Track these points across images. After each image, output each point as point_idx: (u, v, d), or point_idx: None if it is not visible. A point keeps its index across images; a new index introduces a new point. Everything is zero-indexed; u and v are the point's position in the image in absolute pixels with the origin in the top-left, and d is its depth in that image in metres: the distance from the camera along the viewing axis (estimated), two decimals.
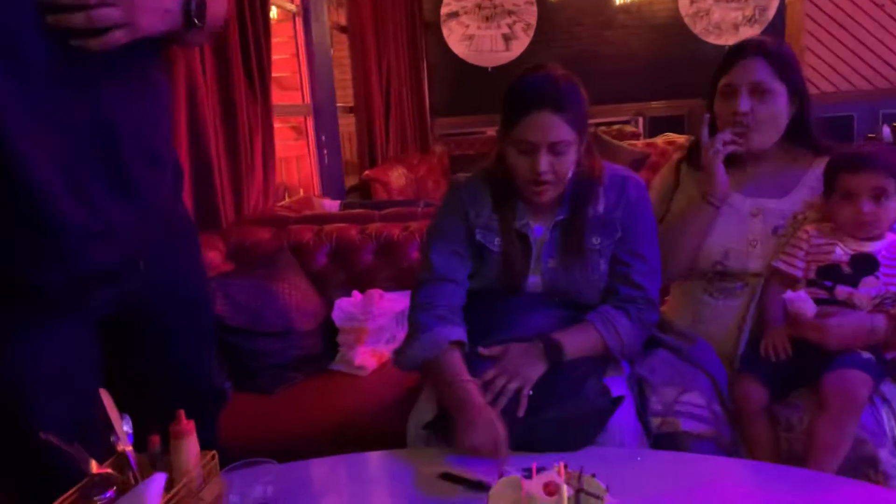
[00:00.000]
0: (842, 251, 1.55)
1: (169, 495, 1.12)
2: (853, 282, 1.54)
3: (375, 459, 1.46)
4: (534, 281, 1.65)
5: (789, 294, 1.54)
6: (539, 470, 1.15)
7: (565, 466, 1.16)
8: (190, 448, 1.22)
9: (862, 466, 1.44)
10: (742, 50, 1.70)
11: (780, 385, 1.56)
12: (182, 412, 1.22)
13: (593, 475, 1.14)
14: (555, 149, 1.51)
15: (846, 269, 1.55)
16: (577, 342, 1.56)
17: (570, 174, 1.56)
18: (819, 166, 1.68)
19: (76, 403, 1.32)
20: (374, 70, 5.67)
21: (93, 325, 1.37)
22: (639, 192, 1.65)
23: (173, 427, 1.21)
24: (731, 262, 1.70)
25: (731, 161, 1.71)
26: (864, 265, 1.54)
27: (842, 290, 1.54)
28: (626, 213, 1.62)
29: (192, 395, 1.53)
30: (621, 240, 1.62)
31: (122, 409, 1.23)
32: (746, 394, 1.56)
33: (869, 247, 1.55)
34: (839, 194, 1.57)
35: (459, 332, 1.57)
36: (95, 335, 1.38)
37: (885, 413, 1.52)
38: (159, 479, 1.12)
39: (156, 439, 1.23)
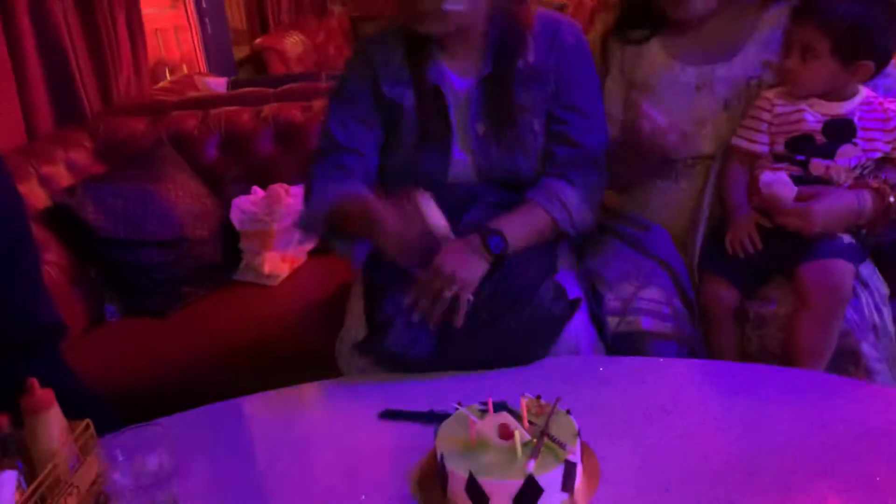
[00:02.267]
0: (812, 117, 1.34)
1: (28, 492, 0.87)
2: (829, 152, 1.33)
3: (302, 395, 1.24)
4: (461, 159, 1.39)
5: (766, 176, 1.32)
6: (498, 407, 0.96)
7: (538, 398, 0.97)
8: (51, 424, 0.95)
9: (842, 362, 1.30)
10: None
11: (751, 280, 1.38)
12: (35, 381, 0.95)
13: (568, 411, 0.95)
14: None
15: (819, 139, 1.33)
16: (519, 227, 1.31)
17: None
18: (771, 13, 1.43)
19: None
20: None
21: None
22: (574, 37, 1.41)
23: (26, 400, 0.94)
24: (679, 145, 1.46)
25: (668, 24, 1.46)
26: (840, 131, 1.33)
27: (817, 164, 1.33)
28: (560, 62, 1.39)
29: (26, 335, 1.29)
30: (556, 94, 1.39)
31: None
32: (714, 297, 1.37)
33: (842, 108, 1.33)
34: (782, 44, 1.34)
35: (365, 190, 1.35)
36: None
37: (865, 299, 1.36)
38: (8, 480, 0.86)
39: (2, 419, 0.95)
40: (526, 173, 1.41)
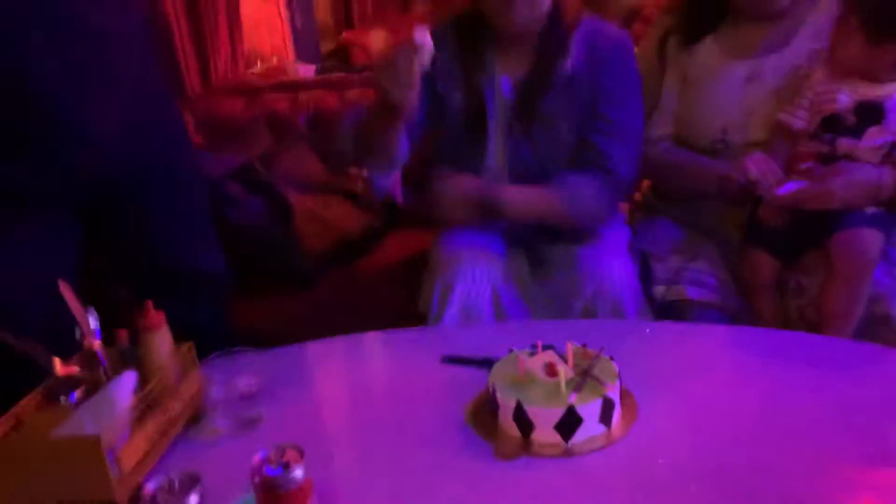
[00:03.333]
0: (847, 98, 1.38)
1: (141, 394, 1.03)
2: (857, 133, 1.38)
3: (376, 340, 1.37)
4: (494, 160, 1.48)
5: (780, 192, 1.38)
6: (545, 348, 1.07)
7: (584, 346, 1.08)
8: (161, 341, 1.11)
9: (876, 326, 1.35)
10: None
11: (790, 251, 1.45)
12: (150, 302, 1.11)
13: (611, 358, 1.05)
14: None
15: (850, 119, 1.38)
16: (523, 194, 1.42)
17: None
18: (823, 2, 1.48)
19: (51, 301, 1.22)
20: None
21: (73, 214, 1.34)
22: (614, 45, 1.43)
23: (140, 319, 1.10)
24: (731, 135, 1.52)
25: (727, 21, 1.52)
26: (870, 114, 1.37)
27: (843, 143, 1.38)
28: (598, 72, 1.41)
29: (181, 279, 1.48)
30: (591, 104, 1.42)
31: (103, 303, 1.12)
32: (755, 267, 1.44)
33: (880, 90, 1.37)
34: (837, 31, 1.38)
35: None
36: (76, 224, 1.35)
37: None
38: (129, 378, 1.02)
39: (123, 333, 1.12)
40: (553, 179, 1.44)
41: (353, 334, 1.35)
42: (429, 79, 1.36)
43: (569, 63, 1.41)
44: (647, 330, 1.29)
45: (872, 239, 1.35)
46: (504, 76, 1.46)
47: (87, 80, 1.25)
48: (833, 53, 1.38)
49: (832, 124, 1.39)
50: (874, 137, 1.37)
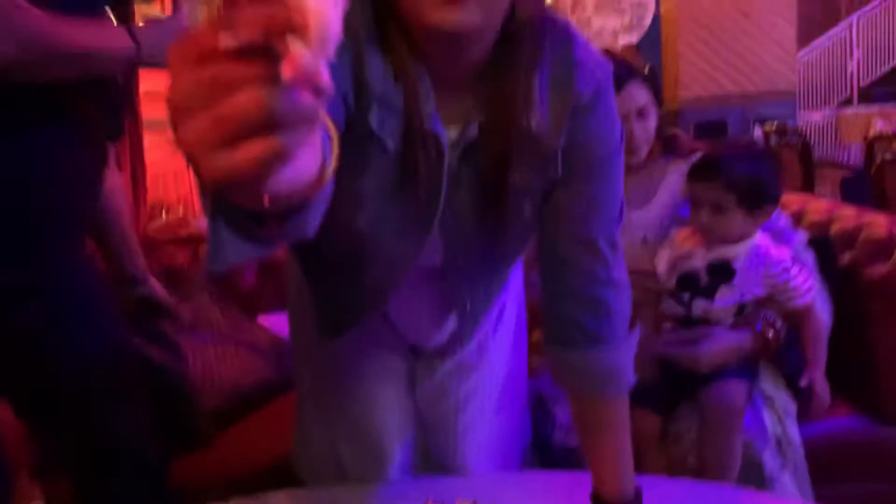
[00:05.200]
0: (700, 258, 1.53)
1: None
2: (710, 292, 1.52)
3: None
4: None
5: (658, 348, 1.52)
6: None
7: (475, 502, 1.09)
8: None
9: (747, 472, 1.42)
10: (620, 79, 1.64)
11: (667, 403, 1.54)
12: None
13: None
14: None
15: (704, 279, 1.52)
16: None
17: None
18: (673, 168, 1.67)
19: None
20: None
21: None
22: (597, 88, 0.97)
23: None
24: None
25: None
26: (721, 273, 1.52)
27: (698, 305, 1.52)
28: (576, 127, 0.96)
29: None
30: (565, 173, 0.98)
31: None
32: (637, 424, 1.49)
33: (729, 251, 1.52)
34: (689, 199, 1.56)
35: None
36: None
37: (767, 413, 1.52)
38: None
39: None
40: (502, 265, 1.14)
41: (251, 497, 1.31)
42: (357, 89, 0.89)
43: (537, 112, 0.93)
44: (537, 482, 1.31)
45: (738, 390, 1.45)
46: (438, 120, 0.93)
47: None
48: (710, 230, 1.51)
49: (688, 284, 1.52)
50: (726, 298, 1.50)
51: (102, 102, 1.29)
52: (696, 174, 1.53)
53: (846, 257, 1.86)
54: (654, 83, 1.67)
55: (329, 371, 1.25)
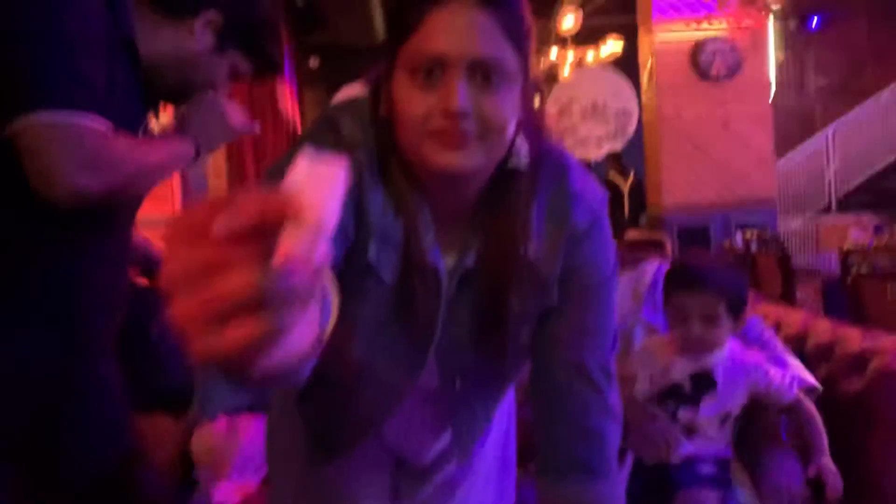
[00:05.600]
0: (680, 370, 1.55)
1: None
2: (695, 401, 1.53)
3: None
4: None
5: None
6: None
7: None
8: None
9: None
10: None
11: None
12: None
13: None
14: (482, 68, 0.86)
15: (687, 388, 1.54)
16: None
17: (510, 131, 0.90)
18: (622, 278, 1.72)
19: None
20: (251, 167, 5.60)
21: None
22: (593, 215, 1.01)
23: None
24: None
25: None
26: (703, 384, 1.54)
27: (684, 414, 1.54)
28: (572, 253, 0.99)
29: None
30: (561, 300, 1.01)
31: None
32: None
33: (707, 360, 1.54)
34: (672, 310, 1.57)
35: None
36: None
37: None
38: None
39: None
40: (498, 389, 1.16)
41: None
42: (358, 215, 0.92)
43: (534, 241, 0.96)
44: None
45: (709, 499, 1.46)
46: (437, 250, 0.97)
47: None
48: (704, 341, 1.53)
49: (672, 394, 1.55)
50: (710, 407, 1.52)
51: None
52: (683, 285, 1.56)
53: (822, 370, 1.89)
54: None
55: (312, 488, 1.23)
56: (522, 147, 0.97)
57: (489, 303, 0.98)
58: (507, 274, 0.96)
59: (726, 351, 1.56)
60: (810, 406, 1.58)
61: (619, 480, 1.07)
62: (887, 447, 1.71)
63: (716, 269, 1.54)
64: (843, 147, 8.84)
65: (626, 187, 7.62)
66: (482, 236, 0.97)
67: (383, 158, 0.95)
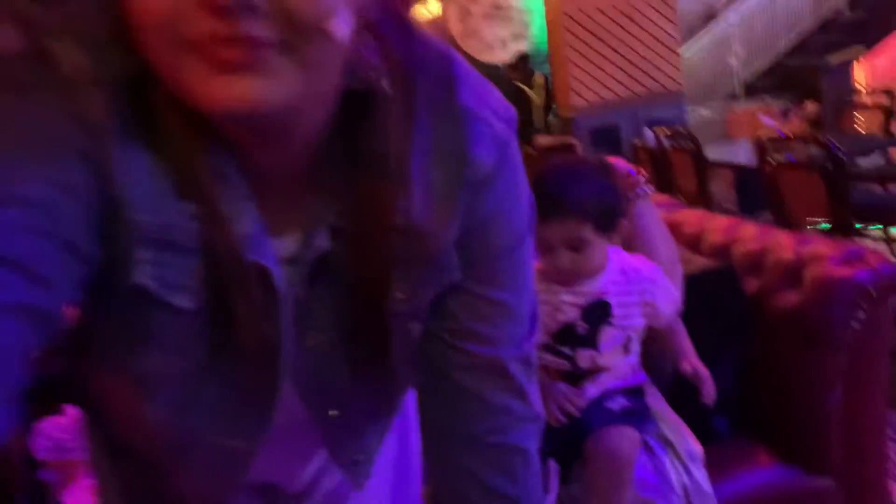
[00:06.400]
0: (570, 307, 1.31)
1: None
2: (592, 340, 1.32)
3: None
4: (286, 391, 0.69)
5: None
6: None
7: None
8: None
9: None
10: None
11: (564, 466, 1.34)
12: None
13: None
14: None
15: (581, 327, 1.32)
16: None
17: (340, 28, 0.53)
18: None
19: None
20: None
21: None
22: (496, 139, 0.67)
23: None
24: None
25: None
26: (598, 315, 1.32)
27: (583, 356, 1.32)
28: (474, 193, 0.67)
29: None
30: (465, 275, 0.69)
31: None
32: None
33: (594, 285, 1.32)
34: (536, 240, 1.34)
35: None
36: None
37: (668, 459, 1.34)
38: None
39: None
40: (387, 405, 0.81)
41: None
42: (108, 221, 0.55)
43: (412, 208, 0.63)
44: None
45: (624, 436, 1.27)
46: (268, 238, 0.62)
47: None
48: (575, 270, 1.31)
49: (566, 337, 1.31)
50: (610, 340, 1.32)
51: None
52: (539, 212, 1.29)
53: (753, 285, 1.69)
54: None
55: None
56: (376, 56, 0.61)
57: (361, 296, 0.65)
58: (382, 251, 0.63)
59: (614, 264, 1.34)
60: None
61: None
62: (827, 365, 1.52)
63: (575, 184, 1.28)
64: (745, 31, 8.75)
65: (534, 93, 7.32)
66: (337, 202, 0.63)
67: (143, 100, 0.55)
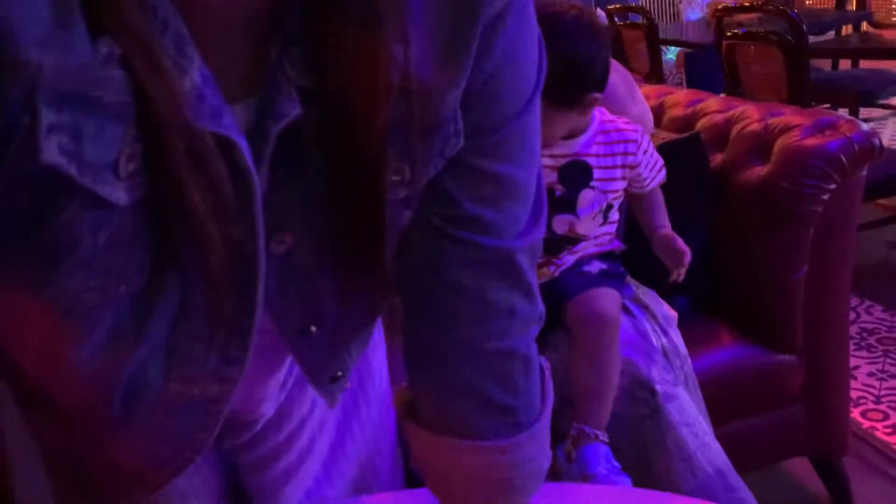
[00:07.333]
0: (547, 168, 1.21)
1: None
2: (570, 204, 1.25)
3: None
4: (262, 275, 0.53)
5: None
6: None
7: None
8: None
9: (639, 391, 1.23)
10: None
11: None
12: None
13: None
14: None
15: (558, 190, 1.25)
16: None
17: None
18: None
19: None
20: None
21: None
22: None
23: None
24: None
25: None
26: (575, 177, 1.25)
27: (560, 222, 1.26)
28: (484, 40, 0.50)
29: None
30: (470, 144, 0.53)
31: None
32: None
33: (574, 146, 1.24)
34: None
35: None
36: None
37: (647, 321, 1.32)
38: None
39: None
40: (370, 322, 0.68)
41: None
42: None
43: (410, 58, 0.46)
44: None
45: (606, 298, 1.24)
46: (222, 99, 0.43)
47: None
48: None
49: None
50: (589, 204, 1.25)
51: None
52: None
53: (717, 158, 1.60)
54: None
55: None
56: None
57: (344, 181, 0.49)
58: (372, 118, 0.46)
59: (594, 124, 1.27)
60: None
61: (546, 428, 0.65)
62: (794, 241, 1.46)
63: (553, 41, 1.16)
64: None
65: None
66: (309, 54, 0.45)
67: None
